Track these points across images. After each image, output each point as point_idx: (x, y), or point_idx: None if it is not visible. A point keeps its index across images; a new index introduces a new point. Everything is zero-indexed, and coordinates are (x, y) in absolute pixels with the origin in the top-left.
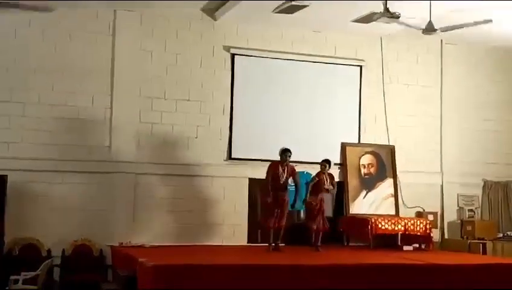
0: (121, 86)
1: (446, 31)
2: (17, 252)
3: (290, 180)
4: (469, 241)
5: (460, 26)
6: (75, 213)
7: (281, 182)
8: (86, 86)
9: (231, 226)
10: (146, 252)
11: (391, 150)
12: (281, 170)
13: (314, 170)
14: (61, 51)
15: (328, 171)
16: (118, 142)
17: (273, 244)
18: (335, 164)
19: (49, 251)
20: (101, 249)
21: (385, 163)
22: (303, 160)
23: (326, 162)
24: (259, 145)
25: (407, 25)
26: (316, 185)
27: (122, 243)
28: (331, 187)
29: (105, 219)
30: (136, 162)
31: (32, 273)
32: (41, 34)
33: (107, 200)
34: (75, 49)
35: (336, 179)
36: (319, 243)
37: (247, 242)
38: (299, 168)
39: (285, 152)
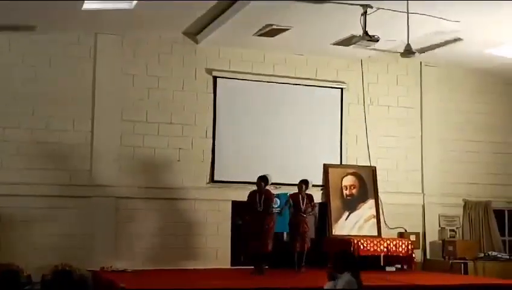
0: (102, 109)
1: (422, 52)
2: None
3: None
4: (451, 261)
5: (433, 47)
6: (55, 238)
7: (260, 210)
8: (67, 110)
9: (214, 249)
10: (128, 277)
11: (373, 171)
12: (257, 197)
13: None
14: (42, 75)
15: (307, 192)
16: (99, 166)
17: (258, 267)
18: (317, 186)
19: (29, 277)
20: (82, 274)
21: (367, 184)
22: (286, 181)
23: (303, 183)
24: (242, 168)
25: (386, 48)
26: (293, 206)
27: (103, 268)
28: (309, 210)
29: (86, 244)
30: (118, 186)
31: None
32: (22, 59)
33: (88, 225)
34: (56, 74)
35: (319, 200)
36: (303, 264)
37: (231, 265)
38: (281, 190)
39: (258, 179)
